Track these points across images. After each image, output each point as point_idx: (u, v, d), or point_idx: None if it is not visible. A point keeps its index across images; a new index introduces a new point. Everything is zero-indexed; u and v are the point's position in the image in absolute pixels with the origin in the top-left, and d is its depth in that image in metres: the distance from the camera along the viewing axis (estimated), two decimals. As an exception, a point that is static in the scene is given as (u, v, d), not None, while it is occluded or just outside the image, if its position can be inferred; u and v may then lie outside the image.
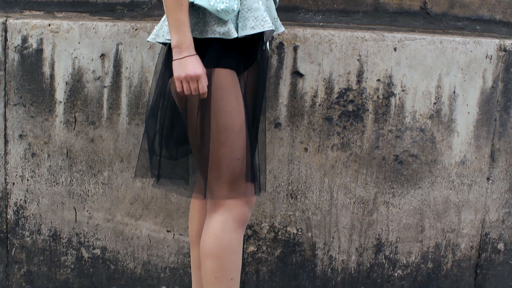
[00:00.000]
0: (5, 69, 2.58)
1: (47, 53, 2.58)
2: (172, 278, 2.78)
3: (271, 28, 2.03)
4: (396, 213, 2.82)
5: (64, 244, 2.72)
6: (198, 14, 2.02)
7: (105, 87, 2.62)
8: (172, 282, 2.79)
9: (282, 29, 2.25)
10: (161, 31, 2.10)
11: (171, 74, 2.03)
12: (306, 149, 2.71)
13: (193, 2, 1.97)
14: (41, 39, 2.58)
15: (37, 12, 2.69)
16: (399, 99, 2.73)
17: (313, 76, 2.68)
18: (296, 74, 2.67)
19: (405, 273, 2.89)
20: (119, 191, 2.69)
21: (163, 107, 2.13)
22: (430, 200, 2.83)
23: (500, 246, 2.96)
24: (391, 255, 2.86)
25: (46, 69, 2.59)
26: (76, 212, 2.70)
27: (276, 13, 2.18)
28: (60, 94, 2.60)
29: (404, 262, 2.88)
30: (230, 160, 2.07)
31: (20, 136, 2.62)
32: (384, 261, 2.87)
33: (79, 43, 2.59)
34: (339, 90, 2.69)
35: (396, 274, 2.89)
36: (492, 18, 2.86)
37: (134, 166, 2.67)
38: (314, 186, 2.75)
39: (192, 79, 1.96)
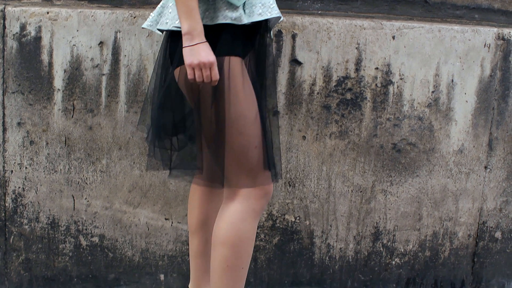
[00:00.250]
0: (3, 56, 2.63)
1: (45, 41, 2.64)
2: (170, 266, 2.85)
3: (278, 15, 2.07)
4: (394, 201, 2.89)
5: (63, 232, 2.78)
6: (207, 0, 2.03)
7: (103, 75, 2.68)
8: (170, 270, 2.86)
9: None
10: (164, 18, 2.10)
11: (178, 62, 2.05)
12: (304, 137, 2.78)
13: None
14: (40, 27, 2.64)
15: (36, 0, 2.74)
16: (397, 87, 2.80)
17: (312, 64, 2.74)
18: (295, 62, 2.74)
19: (402, 261, 2.97)
20: (117, 179, 2.75)
21: (169, 97, 2.15)
22: (427, 188, 2.90)
23: (498, 234, 3.04)
24: (389, 243, 2.94)
25: (45, 57, 2.64)
26: (74, 200, 2.76)
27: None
28: (58, 82, 2.66)
29: (402, 250, 2.96)
30: (248, 149, 2.09)
31: (19, 124, 2.68)
32: (381, 249, 2.94)
33: (77, 30, 2.65)
34: (338, 78, 2.76)
35: (393, 262, 2.96)
36: (490, 7, 2.93)
37: (133, 154, 2.73)
38: (312, 174, 2.82)
39: (205, 66, 1.96)
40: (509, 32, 2.85)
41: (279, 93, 2.73)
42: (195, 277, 2.44)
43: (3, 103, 2.66)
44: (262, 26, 2.15)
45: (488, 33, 2.82)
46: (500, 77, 2.87)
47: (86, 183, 2.75)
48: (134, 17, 2.66)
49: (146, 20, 2.62)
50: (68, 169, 2.73)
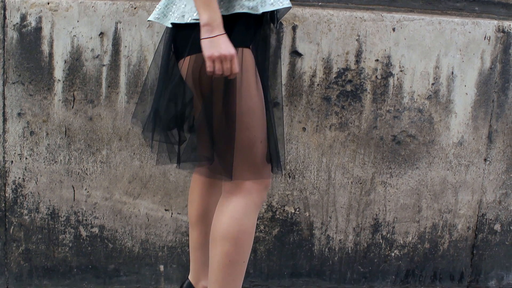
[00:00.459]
0: (3, 47, 2.68)
1: (46, 32, 2.69)
2: (170, 256, 2.91)
3: (289, 5, 2.07)
4: (393, 193, 2.95)
5: (62, 222, 2.84)
6: None
7: (104, 65, 2.73)
8: (170, 260, 2.91)
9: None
10: (177, 11, 2.08)
11: (188, 52, 2.04)
12: (304, 129, 2.83)
13: None
14: (40, 17, 2.68)
15: (36, -10, 2.79)
16: (398, 79, 2.85)
17: (312, 55, 2.79)
18: (295, 53, 2.79)
19: (402, 253, 3.03)
20: (118, 169, 2.81)
21: (174, 90, 2.15)
22: (427, 180, 2.96)
23: (497, 227, 3.10)
24: (388, 235, 3.00)
25: (45, 48, 2.69)
26: (74, 191, 2.82)
27: None
28: (58, 72, 2.71)
29: (401, 242, 3.02)
30: (254, 143, 2.11)
31: (19, 114, 2.73)
32: (381, 241, 3.00)
33: (78, 21, 2.69)
34: (338, 70, 2.81)
35: (393, 254, 3.02)
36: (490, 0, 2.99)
37: (133, 145, 2.79)
38: (312, 165, 2.87)
39: (226, 59, 1.94)
40: (509, 25, 2.90)
41: (279, 84, 2.78)
42: (195, 269, 2.49)
43: (4, 93, 2.71)
44: (268, 17, 2.16)
45: (488, 26, 2.88)
46: (500, 69, 2.92)
47: (86, 174, 2.80)
48: (135, 8, 2.70)
49: (146, 11, 2.67)
50: (68, 159, 2.78)
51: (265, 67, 2.20)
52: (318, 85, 2.80)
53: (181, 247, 2.90)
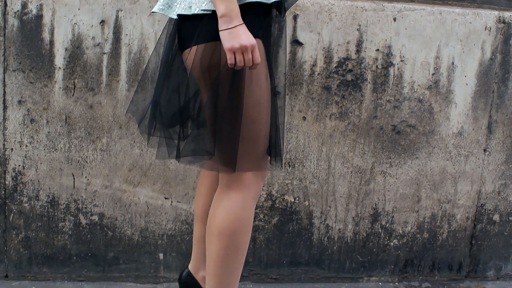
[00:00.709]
0: (4, 34, 2.74)
1: (46, 19, 2.75)
2: (170, 245, 2.98)
3: None
4: (393, 183, 3.03)
5: (62, 210, 2.91)
6: None
7: (104, 53, 2.79)
8: (169, 249, 2.99)
9: None
10: (183, 2, 2.06)
11: (195, 42, 2.03)
12: (304, 118, 2.90)
13: None
14: (41, 5, 2.74)
15: (37, -23, 2.85)
16: (398, 69, 2.92)
17: (313, 45, 2.86)
18: (296, 43, 2.86)
19: (401, 242, 3.11)
20: (118, 157, 2.87)
21: (177, 84, 2.14)
22: (427, 170, 3.04)
23: (496, 217, 3.17)
24: (387, 224, 3.07)
25: (46, 35, 2.75)
26: (74, 179, 2.88)
27: None
28: (59, 60, 2.77)
29: (400, 232, 3.09)
30: (259, 136, 2.12)
31: (19, 102, 2.79)
32: (380, 230, 3.08)
33: (79, 9, 2.75)
34: (338, 59, 2.88)
35: (392, 243, 3.10)
36: (492, -11, 3.05)
37: (133, 133, 2.85)
38: (312, 155, 2.94)
39: (247, 50, 1.92)
40: (510, 16, 2.97)
41: (279, 73, 2.84)
42: (196, 259, 2.53)
43: (4, 81, 2.77)
44: (274, 6, 2.17)
45: (489, 16, 2.95)
46: (500, 60, 2.99)
47: (86, 162, 2.86)
48: (136, -4, 2.77)
49: (148, 0, 2.73)
50: (68, 147, 2.84)
51: (269, 57, 2.20)
52: (318, 74, 2.87)
53: (181, 235, 2.97)
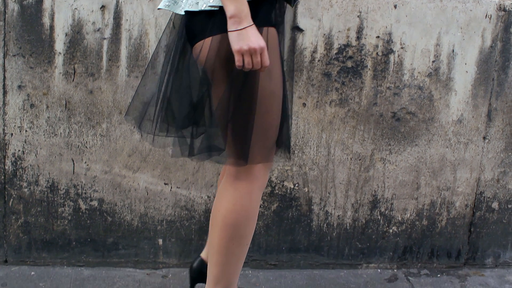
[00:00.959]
0: (4, 19, 2.79)
1: (47, 4, 2.80)
2: (169, 230, 3.05)
3: None
4: (392, 170, 3.10)
5: (62, 195, 2.97)
6: None
7: (104, 39, 2.85)
8: (168, 234, 3.06)
9: None
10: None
11: (210, 33, 2.03)
12: (304, 105, 2.97)
13: None
14: (41, -10, 2.80)
15: (37, -38, 2.90)
16: (398, 56, 2.99)
17: (313, 31, 2.92)
18: (296, 29, 2.92)
19: (400, 229, 3.19)
20: (117, 143, 2.94)
21: (190, 83, 2.14)
22: (426, 157, 3.11)
23: (495, 205, 3.25)
24: (387, 211, 3.15)
25: (46, 20, 2.81)
26: (74, 164, 2.95)
27: None
28: (59, 45, 2.83)
29: (399, 219, 3.17)
30: (271, 127, 2.14)
31: (19, 87, 2.85)
32: (379, 217, 3.15)
33: (79, -6, 2.81)
34: (339, 46, 2.94)
35: (391, 230, 3.18)
36: (493, -23, 3.11)
37: (133, 118, 2.91)
38: (311, 141, 3.01)
39: (256, 52, 1.92)
40: (511, 4, 3.02)
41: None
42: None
43: (4, 66, 2.83)
44: None
45: (489, 4, 3.01)
46: (500, 48, 3.06)
47: (86, 147, 2.93)
48: (137, -18, 2.82)
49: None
50: (68, 132, 2.91)
51: (281, 45, 2.21)
52: (319, 61, 2.94)
53: (180, 221, 3.04)
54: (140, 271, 3.03)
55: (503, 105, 3.11)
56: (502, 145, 3.15)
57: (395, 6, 2.93)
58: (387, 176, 3.09)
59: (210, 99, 2.13)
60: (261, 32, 2.00)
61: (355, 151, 3.04)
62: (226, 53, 2.02)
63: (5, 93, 2.84)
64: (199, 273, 2.59)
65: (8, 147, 2.89)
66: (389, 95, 3.00)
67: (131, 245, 3.04)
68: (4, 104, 2.85)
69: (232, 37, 1.93)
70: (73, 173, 2.94)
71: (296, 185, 3.05)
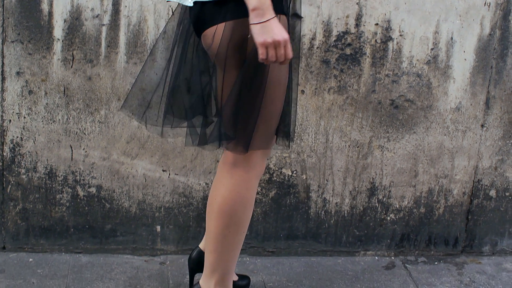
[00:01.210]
0: (3, 5, 2.83)
1: (45, -10, 2.86)
2: (167, 217, 3.12)
3: None
4: (390, 157, 3.17)
5: (60, 182, 3.03)
6: None
7: (103, 25, 2.90)
8: (166, 221, 3.12)
9: None
10: None
11: (223, 19, 2.05)
12: (303, 92, 3.03)
13: None
14: (40, -25, 2.85)
15: None
16: (397, 43, 3.05)
17: (312, 18, 2.98)
18: (295, 16, 2.97)
19: (397, 217, 3.26)
20: (116, 129, 3.00)
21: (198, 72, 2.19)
22: (424, 145, 3.18)
23: (492, 193, 3.32)
24: (384, 199, 3.22)
25: (45, 6, 2.86)
26: (72, 150, 3.00)
27: None
28: (58, 31, 2.88)
29: (397, 206, 3.24)
30: (274, 116, 2.19)
31: (18, 73, 2.90)
32: (377, 204, 3.23)
33: (78, -20, 2.87)
34: (338, 33, 3.01)
35: (388, 218, 3.25)
36: (492, -36, 3.17)
37: (131, 105, 2.97)
38: (310, 128, 3.08)
39: (280, 45, 1.94)
40: (510, -9, 3.10)
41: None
42: None
43: (2, 52, 2.87)
44: None
45: (488, -9, 3.08)
46: (499, 36, 3.12)
47: (84, 134, 2.99)
48: (135, -32, 2.88)
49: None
50: (67, 119, 2.96)
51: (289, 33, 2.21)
52: (317, 48, 3.00)
53: (178, 208, 3.11)
54: (138, 258, 3.10)
55: (501, 93, 3.17)
56: (500, 133, 3.22)
57: (394, -6, 2.99)
58: (385, 164, 3.16)
59: (222, 87, 2.16)
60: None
61: (353, 139, 3.11)
62: (239, 39, 2.05)
63: (3, 79, 2.89)
64: (198, 264, 2.66)
65: (7, 133, 2.94)
66: (388, 83, 3.06)
67: (129, 232, 3.10)
68: (3, 90, 2.90)
69: (256, 29, 1.93)
70: (71, 159, 3.00)
71: (294, 172, 3.12)
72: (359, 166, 3.15)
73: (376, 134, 3.11)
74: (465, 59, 3.10)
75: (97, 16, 2.87)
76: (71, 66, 2.91)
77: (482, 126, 3.20)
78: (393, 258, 3.29)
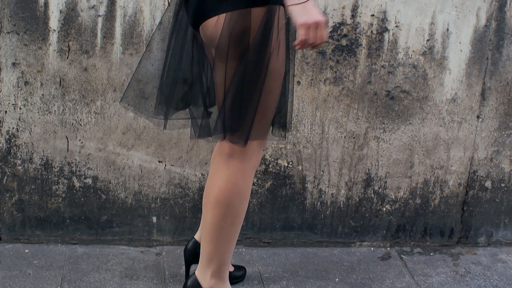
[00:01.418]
0: (-2, -5, 2.88)
1: (41, -19, 2.90)
2: (163, 208, 3.17)
3: None
4: (386, 148, 3.22)
5: (56, 173, 3.08)
6: None
7: (99, 16, 2.94)
8: (162, 212, 3.17)
9: None
10: None
11: (224, 9, 2.07)
12: (298, 83, 3.08)
13: None
14: (35, -34, 2.89)
15: None
16: (393, 34, 3.10)
17: (308, 10, 3.02)
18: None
19: (393, 208, 3.32)
20: (112, 120, 3.04)
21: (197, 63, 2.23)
22: (420, 136, 3.23)
23: (488, 184, 3.38)
24: (380, 190, 3.28)
25: (40, -3, 2.90)
26: (68, 141, 3.04)
27: None
28: (54, 22, 2.92)
29: (393, 197, 3.30)
30: (271, 106, 2.22)
31: (13, 64, 2.93)
32: (373, 195, 3.28)
33: (73, -29, 2.91)
34: (333, 24, 3.05)
35: (384, 209, 3.31)
36: (488, -45, 3.22)
37: (128, 96, 3.01)
38: (306, 119, 3.13)
39: (319, 26, 1.93)
40: (505, -18, 3.15)
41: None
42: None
43: (-2, 42, 2.92)
44: None
45: (484, -18, 3.12)
46: (495, 27, 3.17)
47: (80, 125, 3.03)
48: (131, -41, 2.91)
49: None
50: (63, 110, 3.00)
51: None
52: (313, 39, 3.04)
53: (174, 198, 3.16)
54: (134, 249, 3.15)
55: (497, 84, 3.22)
56: (495, 124, 3.27)
57: (390, -15, 3.03)
58: (380, 155, 3.22)
59: (225, 79, 2.18)
60: (275, 11, 2.06)
61: (349, 130, 3.16)
62: (240, 30, 2.07)
63: (-1, 70, 2.93)
64: (193, 255, 2.71)
65: (2, 124, 2.98)
66: (384, 74, 3.11)
67: (125, 223, 3.15)
68: (-2, 81, 2.94)
69: (296, 10, 1.92)
70: (67, 150, 3.04)
71: (290, 163, 3.17)
72: (355, 157, 3.20)
73: (372, 125, 3.16)
74: (461, 50, 3.15)
75: (93, 7, 2.91)
76: (67, 57, 2.94)
77: (478, 117, 3.25)
78: (388, 249, 3.34)
